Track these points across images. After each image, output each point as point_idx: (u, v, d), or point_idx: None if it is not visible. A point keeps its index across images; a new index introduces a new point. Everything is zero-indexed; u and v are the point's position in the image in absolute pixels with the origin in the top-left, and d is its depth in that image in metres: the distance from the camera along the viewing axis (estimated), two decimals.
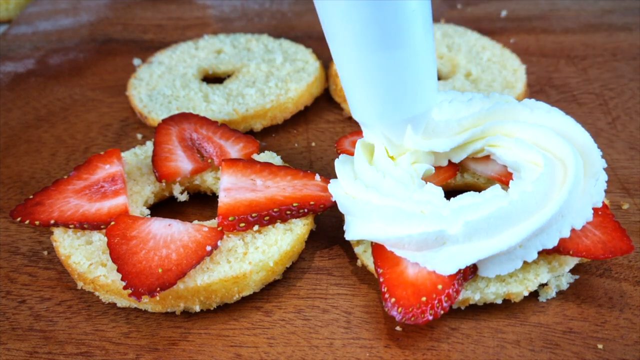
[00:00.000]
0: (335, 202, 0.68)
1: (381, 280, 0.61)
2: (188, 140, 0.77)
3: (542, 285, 0.66)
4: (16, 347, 0.63)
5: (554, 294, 0.66)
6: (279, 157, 0.78)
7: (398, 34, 0.60)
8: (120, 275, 0.60)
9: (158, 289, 0.59)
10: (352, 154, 0.72)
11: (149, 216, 0.71)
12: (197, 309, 0.64)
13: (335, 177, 0.70)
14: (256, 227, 0.66)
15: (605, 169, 0.64)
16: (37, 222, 0.68)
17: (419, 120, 0.66)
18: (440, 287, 0.59)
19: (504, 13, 1.22)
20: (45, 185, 0.83)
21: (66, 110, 0.99)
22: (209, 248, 0.63)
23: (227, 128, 0.79)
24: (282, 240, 0.66)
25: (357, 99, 0.67)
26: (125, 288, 0.59)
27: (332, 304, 0.66)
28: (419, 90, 0.65)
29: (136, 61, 1.08)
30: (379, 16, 0.59)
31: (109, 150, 0.75)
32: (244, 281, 0.64)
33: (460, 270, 0.60)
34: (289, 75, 0.95)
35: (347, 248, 0.73)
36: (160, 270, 0.60)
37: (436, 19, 1.20)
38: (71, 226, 0.67)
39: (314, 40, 1.14)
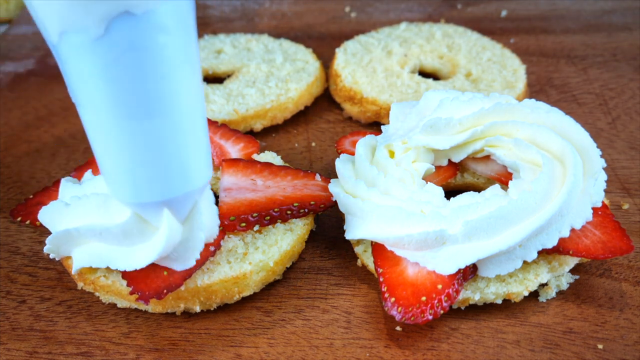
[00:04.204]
0: (335, 202, 0.68)
1: (381, 280, 0.61)
2: None
3: (542, 285, 0.66)
4: (16, 347, 0.63)
5: (554, 294, 0.66)
6: (279, 157, 0.78)
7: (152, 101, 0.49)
8: (120, 275, 0.60)
9: (165, 291, 0.59)
10: (352, 153, 0.72)
11: None
12: (198, 309, 0.64)
13: (335, 177, 0.70)
14: (256, 227, 0.66)
15: (605, 169, 0.64)
16: (37, 222, 0.68)
17: (180, 203, 0.57)
18: (440, 286, 0.59)
19: (504, 13, 1.22)
20: (46, 185, 0.83)
21: (66, 110, 0.99)
22: (212, 248, 0.63)
23: (227, 128, 0.79)
24: (282, 241, 0.66)
25: (107, 174, 0.56)
26: (132, 293, 0.59)
27: (332, 304, 0.66)
28: (176, 170, 0.54)
29: None
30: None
31: None
32: (244, 281, 0.64)
33: (460, 270, 0.60)
34: (289, 75, 0.95)
35: (347, 248, 0.73)
36: (165, 273, 0.60)
37: (436, 19, 1.20)
38: None
39: (314, 40, 1.14)
